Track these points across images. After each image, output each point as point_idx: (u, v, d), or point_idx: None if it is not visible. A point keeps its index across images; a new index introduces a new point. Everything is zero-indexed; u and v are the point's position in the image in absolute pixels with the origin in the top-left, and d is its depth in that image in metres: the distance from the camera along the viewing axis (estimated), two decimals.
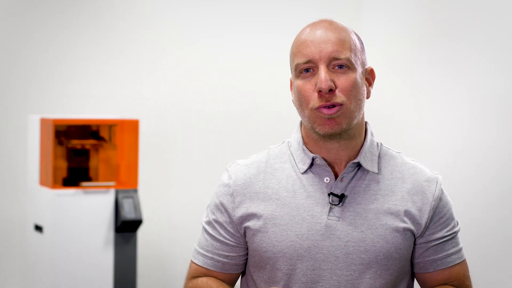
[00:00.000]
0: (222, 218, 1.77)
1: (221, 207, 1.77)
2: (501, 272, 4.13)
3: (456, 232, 1.78)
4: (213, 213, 1.79)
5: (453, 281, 1.78)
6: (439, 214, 1.75)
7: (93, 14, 4.78)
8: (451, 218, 1.77)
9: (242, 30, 5.11)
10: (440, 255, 1.75)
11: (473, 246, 4.18)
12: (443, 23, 4.57)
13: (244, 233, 1.76)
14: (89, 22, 4.77)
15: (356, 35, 1.75)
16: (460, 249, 1.78)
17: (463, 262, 1.79)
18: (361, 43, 1.75)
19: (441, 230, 1.75)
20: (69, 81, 4.75)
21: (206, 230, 1.80)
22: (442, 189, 1.77)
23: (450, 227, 1.76)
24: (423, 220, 1.73)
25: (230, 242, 1.77)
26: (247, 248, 1.77)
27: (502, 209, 4.14)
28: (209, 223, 1.79)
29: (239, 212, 1.75)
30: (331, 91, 1.66)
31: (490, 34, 4.22)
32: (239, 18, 5.11)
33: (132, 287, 4.29)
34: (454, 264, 1.77)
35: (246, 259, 1.79)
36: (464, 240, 1.88)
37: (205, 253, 1.79)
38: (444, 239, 1.75)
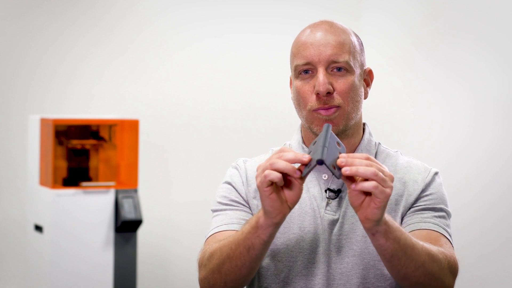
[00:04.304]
0: (236, 195, 1.78)
1: (233, 188, 1.78)
2: (501, 272, 4.13)
3: (443, 210, 1.74)
4: (225, 197, 1.78)
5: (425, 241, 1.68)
6: (427, 190, 1.75)
7: (93, 14, 4.78)
8: (439, 198, 1.75)
9: (242, 30, 5.11)
10: (415, 219, 1.72)
11: (473, 246, 4.18)
12: (442, 23, 4.57)
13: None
14: (89, 22, 4.77)
15: (356, 36, 1.77)
16: (441, 226, 1.70)
17: (445, 238, 1.69)
18: (361, 44, 1.78)
19: (424, 200, 1.74)
20: (69, 81, 4.75)
21: (222, 210, 1.77)
22: (435, 178, 1.77)
23: (434, 201, 1.74)
24: (413, 200, 1.74)
25: (249, 212, 1.77)
26: None
27: (502, 209, 4.14)
28: (223, 204, 1.78)
29: (247, 197, 1.77)
30: (329, 93, 1.69)
31: (490, 34, 4.22)
32: (239, 18, 5.11)
33: (132, 287, 4.29)
34: (428, 229, 1.70)
35: None
36: (464, 240, 1.87)
37: (227, 222, 1.74)
38: (424, 208, 1.73)
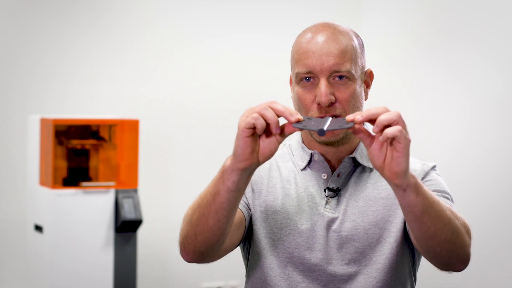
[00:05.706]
0: None
1: None
2: (501, 272, 4.13)
3: (446, 192, 1.74)
4: None
5: None
6: (426, 177, 1.76)
7: (93, 14, 4.78)
8: (440, 185, 1.75)
9: (242, 30, 5.11)
10: None
11: (473, 246, 4.17)
12: (442, 23, 4.57)
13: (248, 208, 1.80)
14: (89, 22, 4.77)
15: (357, 37, 1.77)
16: (448, 203, 1.70)
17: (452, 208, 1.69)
18: (362, 45, 1.77)
19: (425, 186, 1.73)
20: (69, 81, 4.75)
21: None
22: (433, 170, 1.78)
23: (436, 186, 1.74)
24: None
25: (244, 200, 1.79)
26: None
27: (502, 209, 4.14)
28: None
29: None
30: (331, 103, 1.69)
31: (490, 34, 4.22)
32: (239, 18, 5.11)
33: (132, 287, 4.29)
34: None
35: (250, 218, 1.79)
36: None
37: None
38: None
